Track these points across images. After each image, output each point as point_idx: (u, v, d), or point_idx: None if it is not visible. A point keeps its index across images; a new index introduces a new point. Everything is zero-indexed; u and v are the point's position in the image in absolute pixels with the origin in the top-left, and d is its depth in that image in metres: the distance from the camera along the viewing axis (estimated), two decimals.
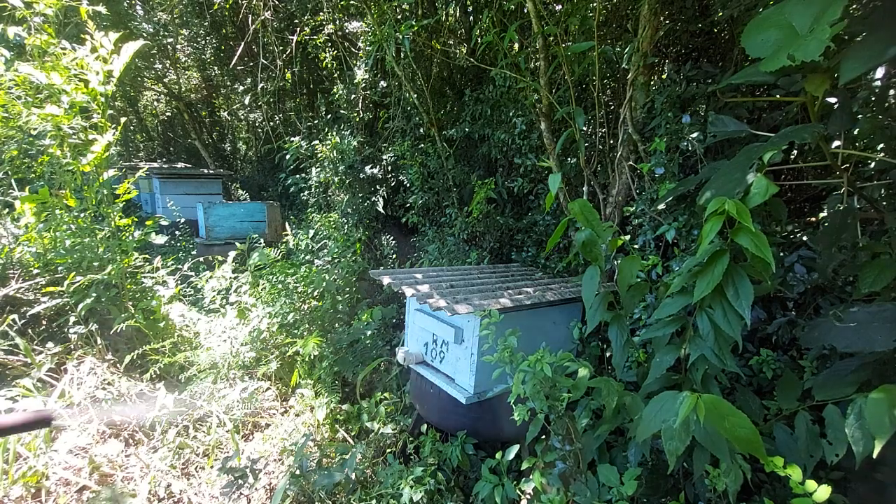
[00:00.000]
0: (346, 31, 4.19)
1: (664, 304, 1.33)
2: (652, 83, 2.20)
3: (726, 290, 1.10)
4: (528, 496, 1.69)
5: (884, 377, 1.16)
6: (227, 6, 5.43)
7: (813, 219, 2.14)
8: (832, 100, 1.48)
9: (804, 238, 1.87)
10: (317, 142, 3.92)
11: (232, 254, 3.90)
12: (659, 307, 1.34)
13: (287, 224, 5.12)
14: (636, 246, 2.14)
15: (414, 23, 2.87)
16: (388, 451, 2.41)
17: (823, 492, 0.90)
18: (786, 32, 0.98)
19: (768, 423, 1.34)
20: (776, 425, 1.27)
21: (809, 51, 0.88)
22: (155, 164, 7.94)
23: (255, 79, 5.60)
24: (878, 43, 0.94)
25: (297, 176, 4.52)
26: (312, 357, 2.96)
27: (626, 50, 2.24)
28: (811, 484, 0.92)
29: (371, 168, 3.92)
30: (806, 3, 0.96)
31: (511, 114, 2.91)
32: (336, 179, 3.78)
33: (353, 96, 3.93)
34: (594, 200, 2.45)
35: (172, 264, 3.79)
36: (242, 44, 5.08)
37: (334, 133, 3.88)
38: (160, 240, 3.36)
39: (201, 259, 5.11)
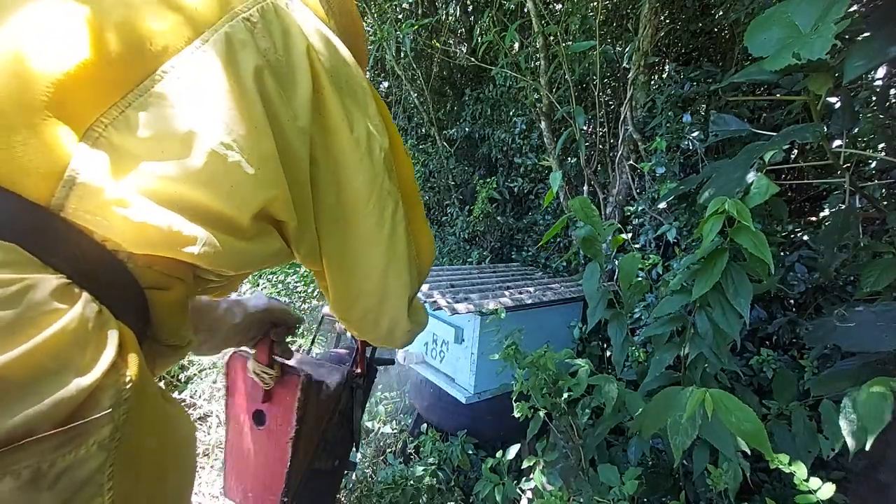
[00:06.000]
0: None
1: (663, 302, 1.33)
2: (652, 82, 2.20)
3: (726, 289, 1.10)
4: (528, 495, 1.69)
5: (885, 377, 1.15)
6: None
7: (813, 218, 2.14)
8: (832, 99, 1.49)
9: (805, 238, 1.87)
10: None
11: None
12: (658, 305, 1.34)
13: None
14: (637, 245, 2.14)
15: (414, 22, 2.87)
16: (389, 450, 2.40)
17: (828, 489, 0.89)
18: (788, 31, 0.98)
19: (768, 423, 1.34)
20: (774, 423, 1.27)
21: (815, 49, 0.87)
22: None
23: None
24: (879, 42, 0.94)
25: None
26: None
27: (627, 49, 2.24)
28: (815, 481, 0.92)
29: None
30: (809, 1, 0.96)
31: (511, 113, 2.90)
32: None
33: None
34: (594, 200, 2.45)
35: None
36: None
37: None
38: None
39: None
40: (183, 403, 2.62)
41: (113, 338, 0.37)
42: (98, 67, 0.38)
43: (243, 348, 0.85)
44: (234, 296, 0.82)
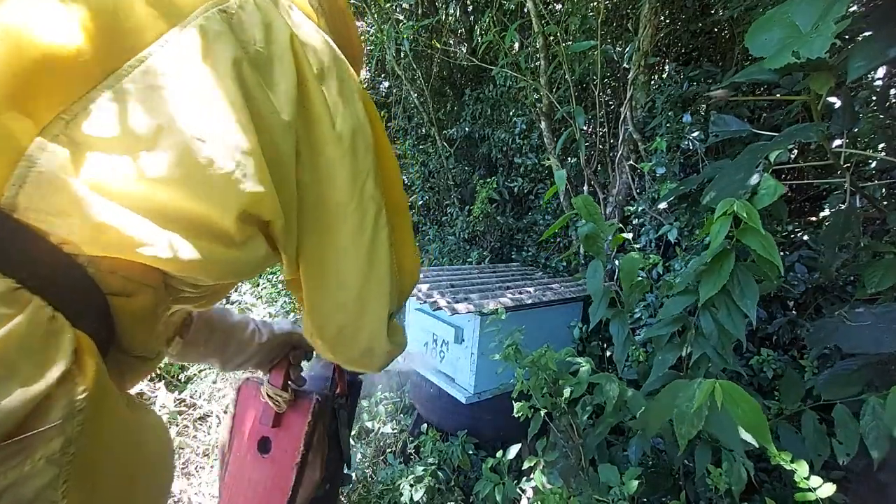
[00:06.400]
0: None
1: (668, 303, 1.33)
2: (652, 82, 2.20)
3: (732, 290, 1.10)
4: (528, 495, 1.69)
5: (886, 378, 1.16)
6: None
7: (813, 218, 2.14)
8: (832, 99, 1.49)
9: (805, 238, 1.87)
10: None
11: None
12: (663, 306, 1.34)
13: None
14: (637, 246, 2.14)
15: (414, 23, 2.87)
16: (389, 450, 2.40)
17: (828, 488, 0.90)
18: (789, 31, 0.98)
19: (770, 423, 1.35)
20: (780, 424, 1.27)
21: (815, 48, 0.88)
22: None
23: None
24: (880, 43, 0.94)
25: None
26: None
27: (627, 49, 2.24)
28: (816, 479, 0.92)
29: None
30: (809, 1, 0.96)
31: (511, 113, 2.91)
32: None
33: None
34: (594, 200, 2.45)
35: None
36: None
37: None
38: None
39: None
40: (183, 404, 2.61)
41: (67, 346, 0.35)
42: (62, 62, 0.36)
43: (256, 375, 0.84)
44: (263, 318, 0.84)
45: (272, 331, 0.81)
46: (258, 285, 3.48)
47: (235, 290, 3.55)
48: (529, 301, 1.96)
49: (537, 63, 2.49)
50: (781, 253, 1.80)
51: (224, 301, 3.52)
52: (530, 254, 2.89)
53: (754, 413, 0.84)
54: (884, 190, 1.69)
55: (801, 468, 0.93)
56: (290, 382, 0.80)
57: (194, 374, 2.85)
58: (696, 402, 0.88)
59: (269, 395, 0.78)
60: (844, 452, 1.09)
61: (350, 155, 0.52)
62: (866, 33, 1.07)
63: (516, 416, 1.49)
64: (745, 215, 0.97)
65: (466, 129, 3.20)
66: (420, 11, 3.32)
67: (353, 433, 2.58)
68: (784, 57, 0.93)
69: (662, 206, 1.99)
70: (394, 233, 0.60)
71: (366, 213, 0.55)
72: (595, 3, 2.38)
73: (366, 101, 0.56)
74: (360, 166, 0.53)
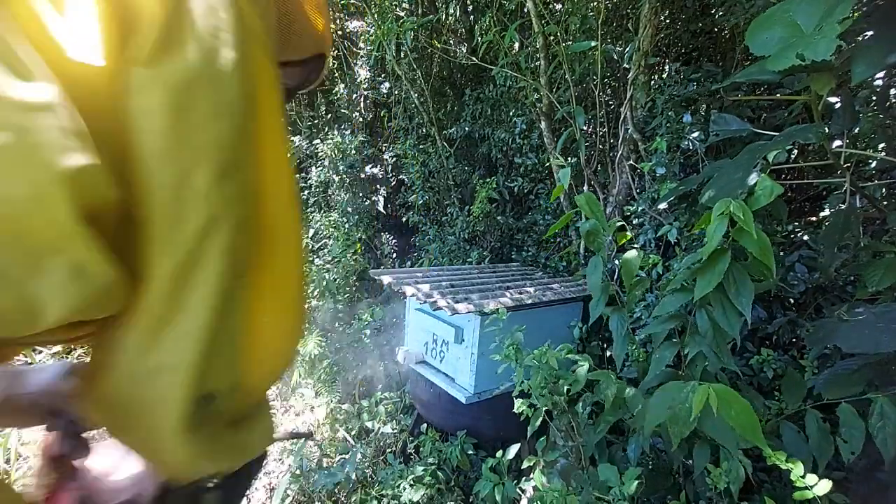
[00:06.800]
0: (347, 30, 4.19)
1: (664, 300, 1.33)
2: (652, 82, 2.20)
3: (727, 289, 1.10)
4: (528, 495, 1.69)
5: (886, 377, 1.16)
6: None
7: (813, 218, 2.14)
8: (833, 99, 1.49)
9: (805, 238, 1.87)
10: (318, 141, 3.92)
11: None
12: (659, 304, 1.35)
13: None
14: (636, 245, 2.14)
15: (414, 20, 2.87)
16: (389, 450, 2.40)
17: (824, 486, 0.90)
18: (790, 30, 0.98)
19: (770, 423, 1.35)
20: (783, 424, 1.28)
21: (820, 50, 0.87)
22: None
23: None
24: (883, 40, 0.94)
25: (297, 176, 4.51)
26: (313, 356, 2.96)
27: (627, 49, 2.24)
28: (812, 478, 0.92)
29: (372, 167, 3.92)
30: (810, 0, 0.96)
31: (511, 113, 2.91)
32: (336, 179, 3.78)
33: (355, 96, 3.94)
34: None
35: None
36: None
37: (336, 132, 3.88)
38: None
39: None
40: None
41: None
42: None
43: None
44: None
45: (12, 387, 0.49)
46: None
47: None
48: (529, 301, 1.96)
49: (537, 63, 2.49)
50: (781, 253, 1.80)
51: None
52: (530, 254, 2.89)
53: (747, 415, 0.84)
54: (884, 190, 1.69)
55: (797, 468, 0.94)
56: (54, 459, 0.50)
57: None
58: (694, 409, 0.88)
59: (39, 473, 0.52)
60: (849, 451, 1.09)
61: (169, 114, 0.31)
62: (867, 33, 1.07)
63: (516, 413, 1.50)
64: (740, 216, 0.97)
65: (466, 128, 3.20)
66: (420, 11, 3.32)
67: (353, 433, 2.59)
68: (788, 59, 0.93)
69: (662, 206, 1.98)
70: (261, 271, 0.38)
71: (184, 219, 0.33)
72: (595, 3, 2.39)
73: (255, 61, 0.36)
74: (189, 139, 0.32)
